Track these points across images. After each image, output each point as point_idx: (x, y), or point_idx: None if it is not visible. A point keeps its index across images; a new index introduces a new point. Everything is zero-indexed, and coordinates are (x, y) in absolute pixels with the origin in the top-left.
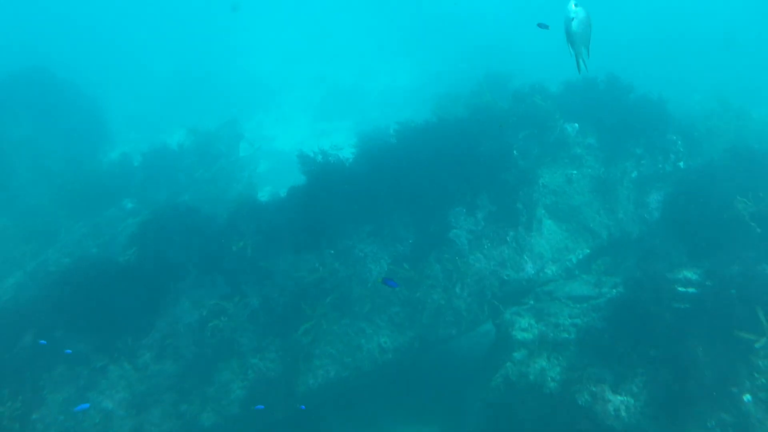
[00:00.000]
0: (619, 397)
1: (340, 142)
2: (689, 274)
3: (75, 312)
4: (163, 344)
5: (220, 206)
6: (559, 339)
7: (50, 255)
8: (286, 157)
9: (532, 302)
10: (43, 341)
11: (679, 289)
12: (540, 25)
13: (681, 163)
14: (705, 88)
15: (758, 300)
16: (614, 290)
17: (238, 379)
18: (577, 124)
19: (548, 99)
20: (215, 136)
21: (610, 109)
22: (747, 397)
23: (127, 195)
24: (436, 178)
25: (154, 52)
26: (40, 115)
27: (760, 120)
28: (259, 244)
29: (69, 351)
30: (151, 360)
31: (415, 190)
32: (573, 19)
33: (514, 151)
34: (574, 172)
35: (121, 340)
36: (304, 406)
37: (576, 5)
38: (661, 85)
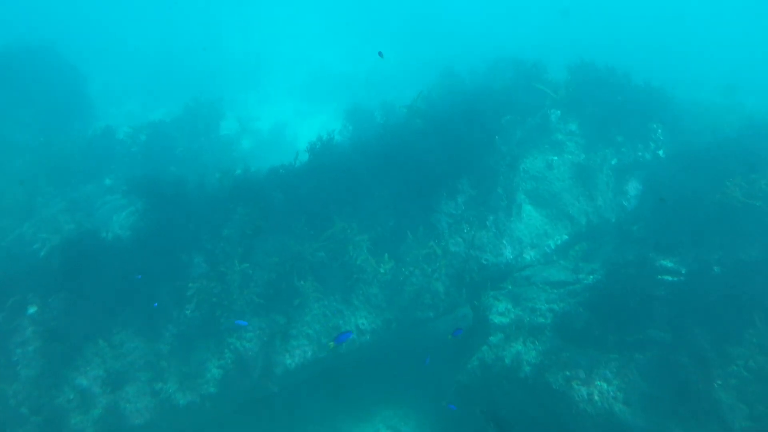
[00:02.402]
0: (593, 382)
1: (326, 125)
2: (667, 261)
3: (50, 288)
4: (138, 322)
5: (197, 188)
6: (535, 323)
7: (26, 230)
8: (268, 136)
9: (510, 287)
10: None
11: (657, 276)
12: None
13: (660, 152)
14: (698, 76)
15: (740, 288)
16: (591, 276)
17: (215, 358)
18: (559, 111)
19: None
20: (198, 114)
21: (607, 94)
22: (718, 382)
23: (106, 171)
24: (420, 161)
25: (140, 28)
26: (18, 87)
27: (753, 111)
28: (238, 223)
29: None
30: (126, 337)
31: (399, 173)
32: None
33: (496, 136)
34: (555, 158)
35: (96, 318)
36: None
37: None
38: (658, 73)
